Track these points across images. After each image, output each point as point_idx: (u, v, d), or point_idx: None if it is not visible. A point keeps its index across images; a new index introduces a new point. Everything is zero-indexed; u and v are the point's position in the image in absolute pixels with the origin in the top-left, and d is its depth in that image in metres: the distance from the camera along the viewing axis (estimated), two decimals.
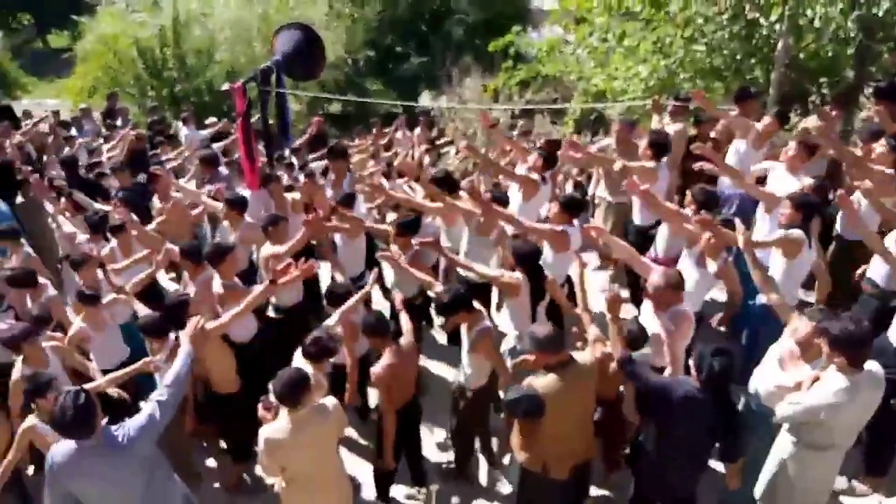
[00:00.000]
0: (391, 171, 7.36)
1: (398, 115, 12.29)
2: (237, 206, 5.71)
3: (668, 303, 3.93)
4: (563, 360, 3.53)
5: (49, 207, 6.37)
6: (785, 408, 3.35)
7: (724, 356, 3.23)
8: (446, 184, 5.61)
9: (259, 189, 6.34)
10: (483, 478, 4.80)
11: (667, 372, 3.82)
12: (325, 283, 5.38)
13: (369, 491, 4.58)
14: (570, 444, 3.65)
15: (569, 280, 5.15)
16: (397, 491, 4.63)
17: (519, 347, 4.38)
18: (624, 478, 4.18)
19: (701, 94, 5.97)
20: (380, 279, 5.90)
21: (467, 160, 10.15)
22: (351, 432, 5.08)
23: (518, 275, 4.48)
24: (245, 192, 6.22)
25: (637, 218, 5.88)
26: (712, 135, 6.71)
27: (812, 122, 6.34)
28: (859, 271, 4.83)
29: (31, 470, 4.63)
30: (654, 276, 3.99)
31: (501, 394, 4.50)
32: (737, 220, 4.12)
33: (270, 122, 6.45)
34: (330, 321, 4.40)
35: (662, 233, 5.24)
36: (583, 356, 3.69)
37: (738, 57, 8.09)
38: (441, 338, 6.12)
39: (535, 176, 5.71)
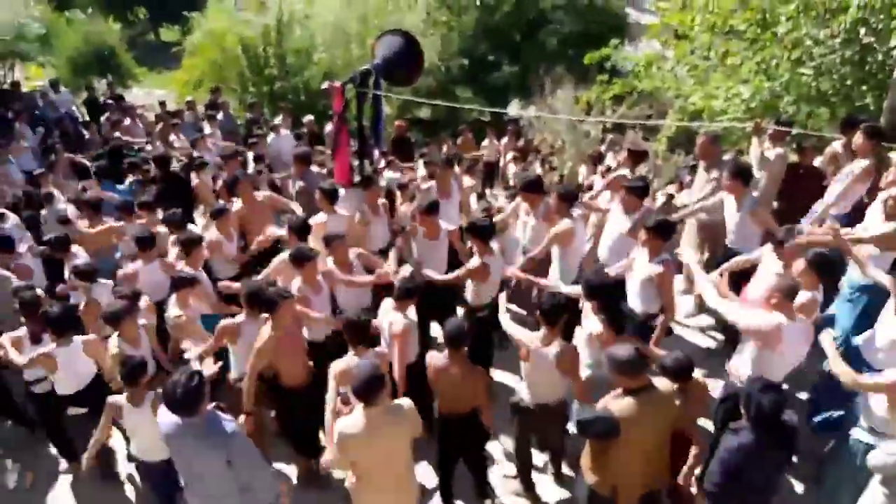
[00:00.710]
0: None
1: (486, 122, 12.38)
2: (329, 195, 6.07)
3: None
4: (642, 385, 3.46)
5: None
6: (880, 457, 3.15)
7: (773, 392, 3.22)
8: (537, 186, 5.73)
9: (350, 185, 6.54)
10: (550, 495, 4.74)
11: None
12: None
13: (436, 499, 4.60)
14: (643, 470, 3.56)
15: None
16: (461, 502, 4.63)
17: (597, 373, 4.30)
18: None
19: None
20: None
21: (553, 172, 10.06)
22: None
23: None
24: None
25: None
26: (815, 163, 6.46)
27: None
28: None
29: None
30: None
31: (574, 413, 4.45)
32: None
33: (365, 123, 6.62)
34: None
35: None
36: (663, 383, 3.61)
37: (849, 82, 7.69)
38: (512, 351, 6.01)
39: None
